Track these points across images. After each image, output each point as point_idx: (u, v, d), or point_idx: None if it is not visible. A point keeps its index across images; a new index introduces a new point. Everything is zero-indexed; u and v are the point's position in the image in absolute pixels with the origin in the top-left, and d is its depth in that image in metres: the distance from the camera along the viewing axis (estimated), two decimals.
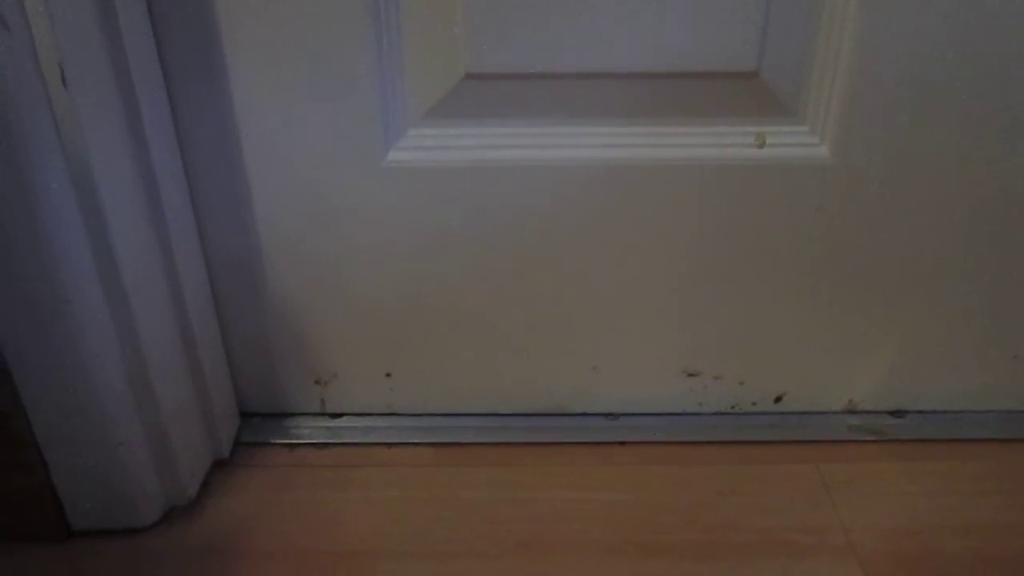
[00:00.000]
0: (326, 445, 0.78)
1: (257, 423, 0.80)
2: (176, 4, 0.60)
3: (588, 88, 0.64)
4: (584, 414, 0.81)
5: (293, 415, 0.81)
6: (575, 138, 0.66)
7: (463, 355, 0.77)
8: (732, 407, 0.81)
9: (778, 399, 0.80)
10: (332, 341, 0.76)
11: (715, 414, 0.81)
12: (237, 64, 0.62)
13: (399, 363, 0.78)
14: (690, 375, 0.78)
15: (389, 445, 0.78)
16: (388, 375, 0.78)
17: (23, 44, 0.49)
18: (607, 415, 0.81)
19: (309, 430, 0.80)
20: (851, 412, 0.81)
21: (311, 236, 0.70)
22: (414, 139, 0.67)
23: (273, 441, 0.79)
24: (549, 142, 0.67)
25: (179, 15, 0.60)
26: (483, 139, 0.66)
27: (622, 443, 0.78)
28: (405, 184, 0.68)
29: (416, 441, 0.78)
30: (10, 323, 0.58)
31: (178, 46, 0.61)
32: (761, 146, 0.66)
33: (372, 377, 0.79)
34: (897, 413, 0.81)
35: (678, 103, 0.65)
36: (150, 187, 0.61)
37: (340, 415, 0.81)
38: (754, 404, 0.80)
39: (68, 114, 0.52)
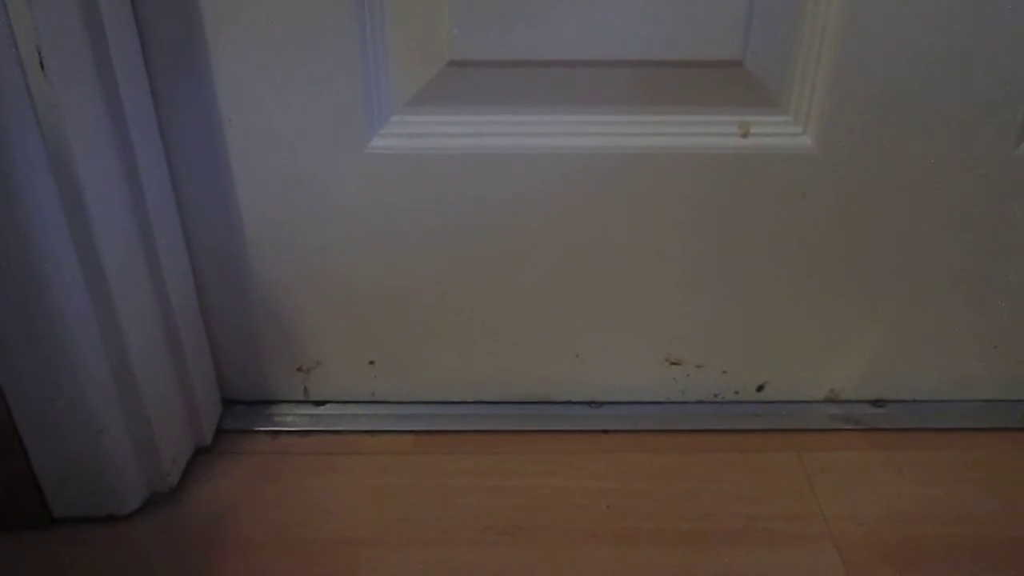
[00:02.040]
0: (309, 433, 0.78)
1: (240, 410, 0.80)
2: None
3: (572, 76, 0.64)
4: (567, 402, 0.81)
5: (276, 403, 0.81)
6: (559, 126, 0.66)
7: (446, 343, 0.77)
8: (714, 396, 0.81)
9: (760, 388, 0.80)
10: (315, 328, 0.76)
11: (697, 403, 0.81)
12: (220, 50, 0.62)
13: (382, 351, 0.78)
14: (673, 364, 0.79)
15: (372, 433, 0.78)
16: (371, 363, 0.78)
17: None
18: (590, 403, 0.81)
19: (292, 418, 0.79)
20: (832, 401, 0.81)
21: (294, 223, 0.70)
22: (398, 126, 0.66)
23: (256, 428, 0.78)
24: (533, 130, 0.66)
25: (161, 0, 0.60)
26: (467, 127, 0.66)
27: (605, 431, 0.79)
28: (389, 171, 0.67)
29: (399, 429, 0.78)
30: None
31: (160, 32, 0.61)
32: (745, 135, 0.66)
33: (355, 365, 0.78)
34: (878, 402, 0.81)
35: (662, 92, 0.65)
36: (131, 173, 0.61)
37: (323, 403, 0.81)
38: (736, 393, 0.81)
39: (47, 99, 0.52)
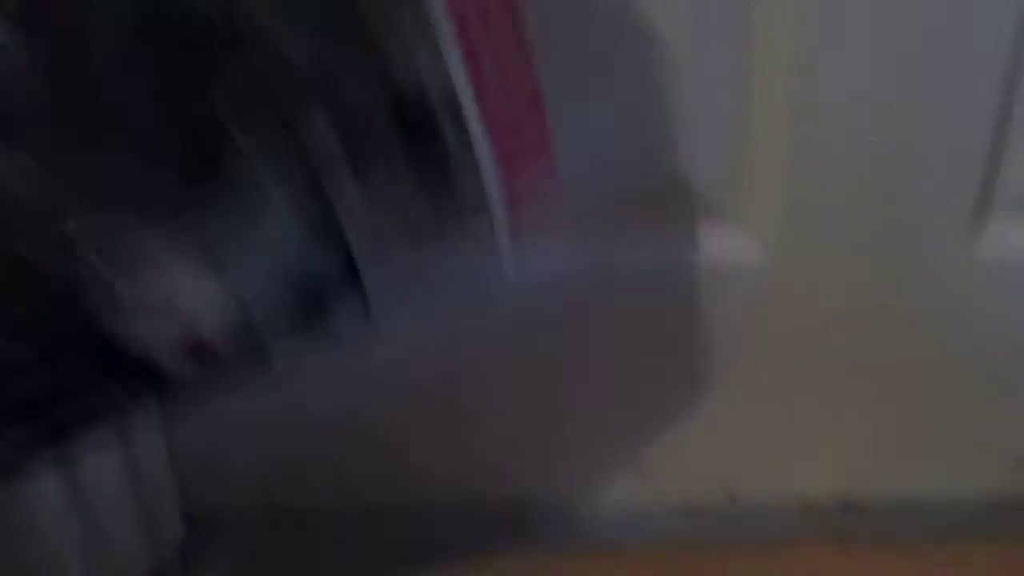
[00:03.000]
0: None
1: None
2: None
3: None
4: None
5: None
6: None
7: None
8: (684, 507, 0.78)
9: (732, 498, 0.78)
10: None
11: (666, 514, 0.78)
12: None
13: None
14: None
15: None
16: None
17: None
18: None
19: None
20: (806, 508, 0.78)
21: None
22: None
23: None
24: None
25: None
26: None
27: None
28: None
29: None
30: None
31: None
32: None
33: None
34: (853, 507, 0.78)
35: None
36: None
37: None
38: (704, 504, 0.78)
39: None
